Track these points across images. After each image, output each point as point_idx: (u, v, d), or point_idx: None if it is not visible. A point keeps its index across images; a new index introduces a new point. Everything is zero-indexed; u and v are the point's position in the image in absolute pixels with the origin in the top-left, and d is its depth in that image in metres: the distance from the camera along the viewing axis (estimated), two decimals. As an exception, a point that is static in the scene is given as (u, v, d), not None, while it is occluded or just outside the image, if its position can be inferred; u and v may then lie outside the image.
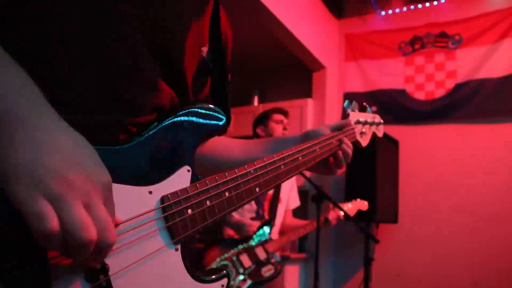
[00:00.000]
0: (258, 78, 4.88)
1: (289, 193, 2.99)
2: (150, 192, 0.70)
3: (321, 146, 1.03)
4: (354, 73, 4.22)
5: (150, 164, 0.72)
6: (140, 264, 0.68)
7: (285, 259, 3.54)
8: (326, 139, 1.05)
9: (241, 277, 2.52)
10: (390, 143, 3.72)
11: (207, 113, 0.81)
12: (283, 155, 0.95)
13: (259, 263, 2.58)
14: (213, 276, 0.78)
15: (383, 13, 4.17)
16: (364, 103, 1.32)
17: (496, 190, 3.41)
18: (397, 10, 4.10)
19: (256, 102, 4.81)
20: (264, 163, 0.90)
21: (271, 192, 2.83)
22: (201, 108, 0.80)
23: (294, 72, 4.54)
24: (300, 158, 0.99)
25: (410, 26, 3.97)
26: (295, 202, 3.07)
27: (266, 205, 2.83)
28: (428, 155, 3.74)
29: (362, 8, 4.24)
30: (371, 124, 1.30)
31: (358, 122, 1.23)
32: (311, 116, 4.24)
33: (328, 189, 4.04)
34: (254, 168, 0.87)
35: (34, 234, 0.50)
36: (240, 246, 2.61)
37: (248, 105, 4.75)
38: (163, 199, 0.71)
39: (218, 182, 0.79)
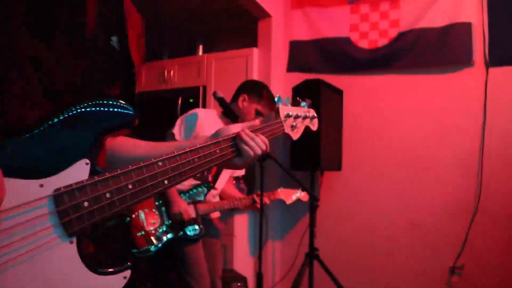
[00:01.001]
0: (203, 27, 4.70)
1: None
2: (41, 185, 0.68)
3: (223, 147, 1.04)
4: (300, 21, 4.16)
5: (43, 156, 0.70)
6: (30, 258, 0.66)
7: (232, 210, 3.60)
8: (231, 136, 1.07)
9: (164, 228, 2.53)
10: (334, 92, 3.76)
11: (112, 107, 0.79)
12: (197, 147, 0.95)
13: (185, 221, 2.58)
14: (114, 269, 0.77)
15: (329, -42, 4.07)
16: (298, 98, 1.38)
17: (437, 138, 3.57)
18: (343, -45, 4.01)
19: (201, 52, 4.66)
20: (174, 155, 0.89)
21: None
22: (105, 102, 0.78)
23: (240, 20, 4.40)
24: (217, 151, 1.01)
25: (356, -27, 3.91)
26: (240, 171, 3.08)
27: (214, 168, 2.80)
28: (372, 104, 3.83)
29: (308, -48, 4.11)
30: (304, 117, 1.36)
31: (288, 116, 1.28)
32: (256, 66, 4.17)
33: (274, 139, 4.08)
34: (162, 159, 0.85)
35: None
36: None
37: (192, 55, 4.60)
38: (55, 191, 0.69)
39: (120, 174, 0.77)
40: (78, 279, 0.71)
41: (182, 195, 2.63)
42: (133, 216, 2.48)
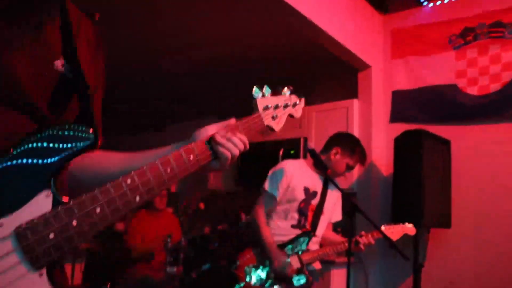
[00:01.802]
0: (303, 80, 4.83)
1: (333, 207, 2.94)
2: (1, 225, 0.69)
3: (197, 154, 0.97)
4: (402, 71, 4.04)
5: (0, 195, 0.70)
6: None
7: (330, 264, 3.48)
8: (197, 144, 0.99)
9: (271, 282, 2.54)
10: (439, 143, 3.51)
11: (68, 134, 0.78)
12: (167, 157, 0.90)
13: (288, 275, 2.58)
14: None
15: (431, 5, 3.95)
16: (280, 86, 1.28)
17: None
18: (446, 1, 3.86)
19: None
20: (143, 169, 0.85)
21: (315, 202, 2.81)
22: (62, 130, 0.78)
23: (339, 72, 4.44)
24: (191, 157, 0.95)
25: (461, 17, 3.72)
26: (337, 216, 3.03)
27: (310, 215, 2.80)
28: (483, 155, 3.48)
29: (408, 1, 4.05)
30: (285, 106, 1.26)
31: (266, 108, 1.20)
32: (357, 117, 4.13)
33: (376, 189, 3.91)
34: (131, 176, 0.82)
35: None
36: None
37: (294, 107, 4.72)
38: (17, 229, 0.69)
39: (85, 199, 0.75)
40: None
41: (286, 247, 2.66)
42: (239, 273, 2.56)
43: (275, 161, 4.56)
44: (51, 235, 0.71)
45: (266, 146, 4.65)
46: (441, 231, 3.51)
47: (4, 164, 0.72)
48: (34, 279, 0.71)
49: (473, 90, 3.59)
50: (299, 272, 2.62)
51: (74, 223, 0.73)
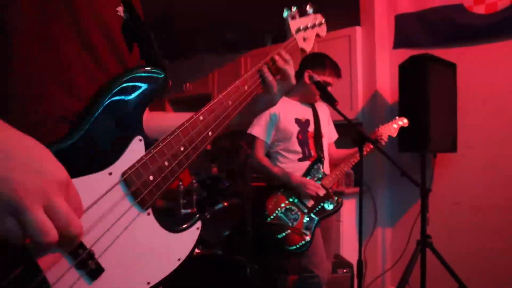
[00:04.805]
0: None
1: (328, 127, 3.02)
2: (110, 173, 0.74)
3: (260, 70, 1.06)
4: (406, -8, 3.86)
5: (102, 147, 0.75)
6: (120, 237, 0.75)
7: (339, 194, 3.55)
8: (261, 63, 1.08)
9: (307, 217, 2.62)
10: (445, 67, 3.43)
11: (145, 76, 0.81)
12: (228, 91, 0.96)
13: (320, 200, 2.66)
14: (188, 224, 0.87)
15: None
16: (303, 7, 1.28)
17: None
18: None
19: (303, 36, 4.62)
20: (210, 104, 0.91)
21: (311, 129, 2.84)
22: (138, 72, 0.80)
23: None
24: (246, 87, 1.00)
25: None
26: (334, 135, 3.14)
27: (311, 142, 2.84)
28: (490, 77, 3.40)
29: None
30: (313, 26, 1.28)
31: (298, 30, 1.21)
32: (360, 45, 4.01)
33: (381, 117, 3.90)
34: (202, 113, 0.88)
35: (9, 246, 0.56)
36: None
37: (295, 39, 4.58)
38: (123, 175, 0.75)
39: (170, 140, 0.82)
40: (162, 241, 0.83)
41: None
42: (274, 221, 2.62)
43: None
44: (151, 177, 0.78)
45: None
46: (447, 155, 3.53)
47: (97, 120, 0.74)
48: (145, 219, 0.79)
49: (480, 9, 3.44)
50: (326, 197, 2.70)
51: (166, 163, 0.80)
